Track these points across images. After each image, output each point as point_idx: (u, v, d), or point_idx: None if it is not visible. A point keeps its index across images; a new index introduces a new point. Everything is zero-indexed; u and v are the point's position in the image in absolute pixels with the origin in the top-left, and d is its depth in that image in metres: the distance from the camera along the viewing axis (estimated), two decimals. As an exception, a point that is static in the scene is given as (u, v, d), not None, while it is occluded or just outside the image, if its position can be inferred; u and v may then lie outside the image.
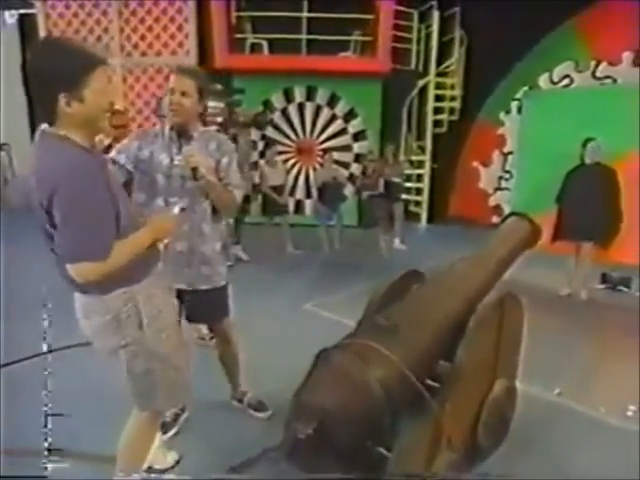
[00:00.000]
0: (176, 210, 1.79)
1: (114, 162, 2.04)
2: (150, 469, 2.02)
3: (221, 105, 4.47)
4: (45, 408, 1.76)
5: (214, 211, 2.19)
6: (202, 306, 2.23)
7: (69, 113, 1.37)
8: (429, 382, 1.88)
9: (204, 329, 3.21)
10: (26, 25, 9.31)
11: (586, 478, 2.15)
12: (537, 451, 2.31)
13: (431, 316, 2.01)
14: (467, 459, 1.98)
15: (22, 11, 9.32)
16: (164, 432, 2.32)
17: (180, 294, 2.16)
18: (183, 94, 2.06)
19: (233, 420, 2.49)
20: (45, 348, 1.75)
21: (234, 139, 5.37)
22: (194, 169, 2.01)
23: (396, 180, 6.47)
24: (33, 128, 9.78)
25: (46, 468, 1.78)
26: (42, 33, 8.07)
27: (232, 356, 2.47)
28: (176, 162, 2.07)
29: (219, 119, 3.58)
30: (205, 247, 2.18)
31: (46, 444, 1.79)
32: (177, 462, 2.12)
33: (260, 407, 2.54)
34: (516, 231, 2.59)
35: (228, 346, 2.45)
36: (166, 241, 1.74)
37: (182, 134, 2.11)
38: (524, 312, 2.20)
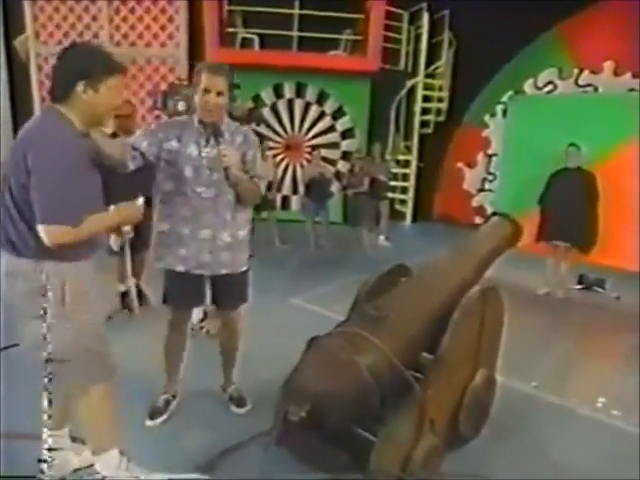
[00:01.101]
0: (140, 201, 1.86)
1: (134, 148, 2.09)
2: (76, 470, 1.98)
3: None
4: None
5: (238, 200, 2.24)
6: (223, 291, 2.32)
7: (82, 98, 1.59)
8: (413, 373, 1.97)
9: (195, 319, 3.25)
10: (11, 10, 9.12)
11: (559, 462, 2.28)
12: (515, 437, 2.43)
13: (418, 308, 2.11)
14: (447, 444, 2.08)
15: (5, -5, 9.12)
16: (152, 418, 2.36)
17: (202, 280, 2.27)
18: (219, 94, 2.10)
19: (223, 408, 2.54)
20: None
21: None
22: (226, 168, 2.07)
23: (382, 178, 6.57)
24: (15, 116, 9.61)
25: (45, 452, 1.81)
26: (28, 19, 7.92)
27: (233, 346, 2.51)
28: (204, 155, 2.13)
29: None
30: (226, 234, 2.23)
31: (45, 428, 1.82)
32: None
33: (240, 402, 2.54)
34: (499, 230, 2.71)
35: (233, 335, 2.48)
36: (127, 228, 1.81)
37: (210, 128, 2.14)
38: (504, 305, 2.32)
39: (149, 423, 2.36)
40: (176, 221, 2.19)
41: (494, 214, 2.89)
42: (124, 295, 3.67)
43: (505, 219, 2.75)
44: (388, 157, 7.75)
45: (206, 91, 2.09)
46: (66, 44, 1.69)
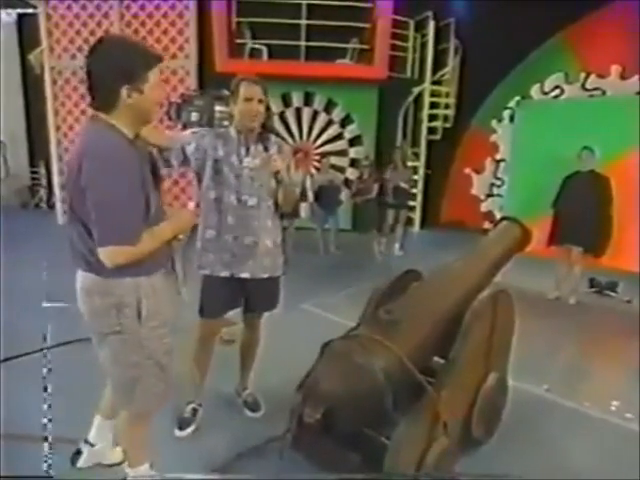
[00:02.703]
0: (191, 205, 1.87)
1: (181, 148, 2.17)
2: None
3: (228, 109, 4.56)
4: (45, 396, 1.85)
5: (276, 207, 2.32)
6: (260, 294, 2.39)
7: (129, 104, 1.49)
8: (426, 377, 1.99)
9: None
10: (26, 26, 9.35)
11: (572, 465, 2.29)
12: (527, 440, 2.44)
13: (429, 312, 2.14)
14: (460, 447, 2.10)
15: (20, 10, 9.35)
16: (181, 428, 2.37)
17: (240, 284, 2.32)
18: (260, 102, 2.20)
19: (236, 412, 2.58)
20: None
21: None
22: (276, 172, 2.16)
23: (404, 186, 6.49)
24: (29, 128, 9.83)
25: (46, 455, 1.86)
26: (43, 34, 8.11)
27: (254, 351, 2.58)
28: (245, 164, 2.22)
29: (225, 123, 3.66)
30: (268, 240, 2.31)
31: (46, 431, 1.87)
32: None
33: (254, 406, 2.59)
34: (508, 234, 2.74)
35: (255, 340, 2.56)
36: (182, 237, 1.82)
37: (250, 137, 2.24)
38: (515, 308, 2.34)
39: (178, 434, 2.36)
40: (222, 228, 2.24)
41: (503, 218, 2.92)
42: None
43: (514, 223, 2.78)
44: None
45: (248, 100, 2.18)
46: (95, 42, 1.50)
